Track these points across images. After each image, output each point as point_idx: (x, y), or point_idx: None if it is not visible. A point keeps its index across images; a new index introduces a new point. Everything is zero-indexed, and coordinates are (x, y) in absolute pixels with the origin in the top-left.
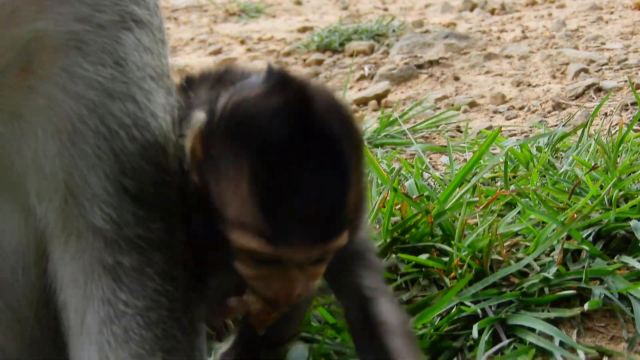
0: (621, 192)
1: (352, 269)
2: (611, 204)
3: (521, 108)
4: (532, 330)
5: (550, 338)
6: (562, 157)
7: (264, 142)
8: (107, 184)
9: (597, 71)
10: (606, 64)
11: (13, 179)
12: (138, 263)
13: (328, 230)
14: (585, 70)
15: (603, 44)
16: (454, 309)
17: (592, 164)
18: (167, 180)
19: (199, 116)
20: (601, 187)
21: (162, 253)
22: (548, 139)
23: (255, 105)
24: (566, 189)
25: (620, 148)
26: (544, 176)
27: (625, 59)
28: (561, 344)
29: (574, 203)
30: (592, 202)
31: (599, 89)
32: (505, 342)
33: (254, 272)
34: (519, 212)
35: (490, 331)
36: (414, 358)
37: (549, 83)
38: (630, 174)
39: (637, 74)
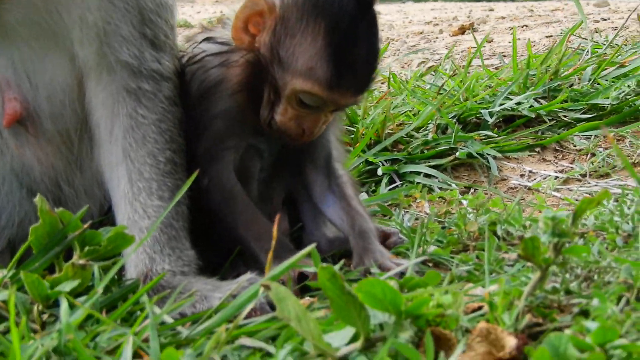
0: (473, 93)
1: (326, 133)
2: (466, 99)
3: None
4: (418, 173)
5: (431, 177)
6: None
7: (337, 11)
8: (133, 30)
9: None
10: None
11: (62, 31)
12: (152, 88)
13: (366, 84)
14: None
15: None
16: (362, 164)
17: (451, 74)
18: (172, 31)
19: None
20: (458, 89)
21: (169, 83)
22: (418, 66)
23: None
24: (435, 91)
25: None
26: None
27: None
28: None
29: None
30: (452, 98)
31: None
32: (399, 182)
33: (293, 114)
34: (403, 100)
35: (387, 178)
36: (359, 202)
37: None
38: (477, 81)
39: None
